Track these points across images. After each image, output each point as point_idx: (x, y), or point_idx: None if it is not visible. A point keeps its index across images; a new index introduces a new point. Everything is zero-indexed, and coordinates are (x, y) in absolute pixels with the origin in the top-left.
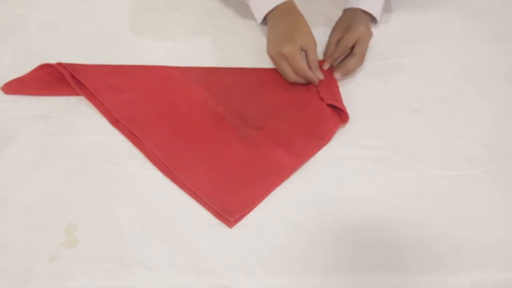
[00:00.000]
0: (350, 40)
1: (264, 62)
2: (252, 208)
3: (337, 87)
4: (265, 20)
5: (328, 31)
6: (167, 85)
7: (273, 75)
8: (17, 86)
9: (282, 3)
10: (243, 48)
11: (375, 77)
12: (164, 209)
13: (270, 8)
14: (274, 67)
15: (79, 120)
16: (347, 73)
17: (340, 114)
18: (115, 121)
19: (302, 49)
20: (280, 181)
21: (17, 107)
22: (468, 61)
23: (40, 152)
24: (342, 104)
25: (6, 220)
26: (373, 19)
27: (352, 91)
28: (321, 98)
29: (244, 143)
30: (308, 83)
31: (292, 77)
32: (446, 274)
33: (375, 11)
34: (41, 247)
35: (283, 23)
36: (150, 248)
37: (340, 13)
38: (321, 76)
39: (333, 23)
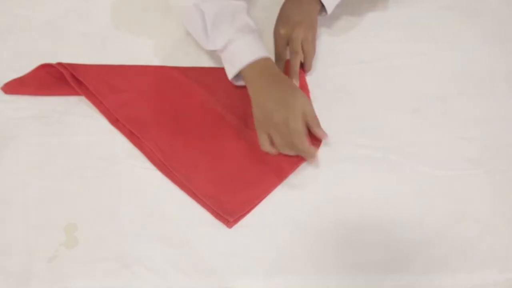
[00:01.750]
0: (292, 44)
1: None
2: (251, 209)
3: None
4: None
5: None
6: (167, 85)
7: None
8: (17, 86)
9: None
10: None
11: (375, 77)
12: (164, 209)
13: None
14: None
15: (79, 120)
16: (309, 69)
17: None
18: (115, 121)
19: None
20: (279, 182)
21: (17, 107)
22: (468, 61)
23: (40, 152)
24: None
25: (6, 220)
26: (323, 8)
27: (352, 91)
28: None
29: (244, 143)
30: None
31: (272, 150)
32: (447, 274)
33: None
34: (41, 247)
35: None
36: (150, 248)
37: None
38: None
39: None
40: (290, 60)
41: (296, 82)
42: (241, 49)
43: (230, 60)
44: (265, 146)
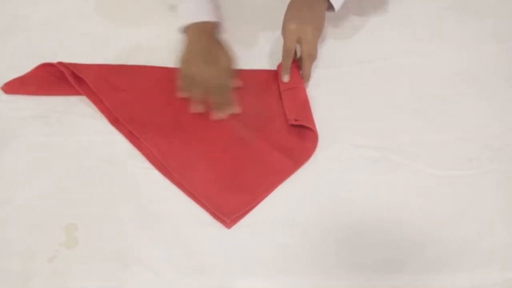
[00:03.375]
0: (302, 47)
1: (263, 63)
2: (249, 210)
3: (307, 106)
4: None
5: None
6: (167, 86)
7: (273, 76)
8: (17, 86)
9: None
10: (243, 49)
11: (375, 77)
12: (164, 209)
13: (189, 22)
14: (274, 69)
15: (79, 119)
16: (308, 78)
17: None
18: (114, 121)
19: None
20: (277, 184)
21: (17, 107)
22: (468, 61)
23: (40, 152)
24: (310, 122)
25: (6, 220)
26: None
27: (352, 91)
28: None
29: (243, 144)
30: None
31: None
32: (446, 274)
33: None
34: (41, 247)
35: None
36: (150, 248)
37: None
38: (286, 76)
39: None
40: (302, 62)
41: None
42: (186, 10)
43: (179, 18)
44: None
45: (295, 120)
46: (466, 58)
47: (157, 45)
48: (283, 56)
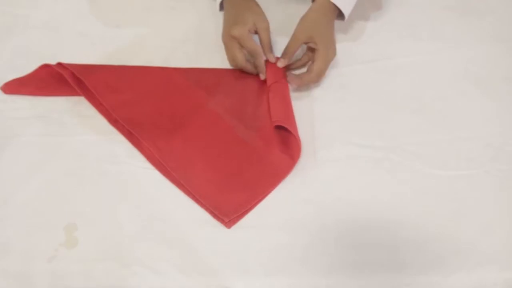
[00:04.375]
0: (319, 67)
1: None
2: (248, 210)
3: (289, 105)
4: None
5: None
6: (166, 86)
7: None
8: (17, 86)
9: None
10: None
11: (375, 77)
12: (164, 209)
13: None
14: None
15: (78, 120)
16: (301, 87)
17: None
18: (114, 121)
19: (254, 32)
20: (277, 183)
21: (17, 107)
22: (468, 61)
23: (40, 152)
24: (292, 126)
25: (6, 220)
26: (340, 14)
27: (352, 91)
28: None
29: (242, 144)
30: (257, 74)
31: (242, 62)
32: (446, 274)
33: (343, 5)
34: (41, 247)
35: (234, 8)
36: (150, 248)
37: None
38: (273, 59)
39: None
40: (305, 75)
41: (263, 76)
42: None
43: None
44: (239, 59)
45: (281, 122)
46: (466, 58)
47: (157, 45)
48: (283, 53)
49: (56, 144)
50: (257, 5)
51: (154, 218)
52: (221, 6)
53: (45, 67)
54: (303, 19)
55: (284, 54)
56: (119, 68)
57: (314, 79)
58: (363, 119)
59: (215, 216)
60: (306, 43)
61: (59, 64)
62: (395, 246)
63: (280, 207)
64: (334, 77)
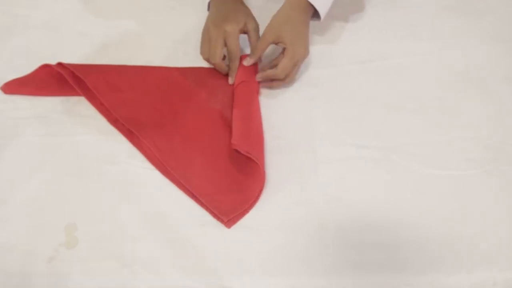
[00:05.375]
0: (284, 63)
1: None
2: (247, 209)
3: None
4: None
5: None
6: (167, 85)
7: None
8: (17, 86)
9: None
10: (243, 48)
11: (375, 77)
12: (164, 209)
13: None
14: None
15: (79, 120)
16: (269, 85)
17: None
18: (114, 121)
19: (244, 32)
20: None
21: (17, 107)
22: (468, 61)
23: (40, 152)
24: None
25: (6, 220)
26: (315, 13)
27: (352, 91)
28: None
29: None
30: (225, 75)
31: (219, 59)
32: (446, 274)
33: (319, 4)
34: (41, 247)
35: (224, 5)
36: (150, 248)
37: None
38: (249, 58)
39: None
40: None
41: (231, 80)
42: None
43: None
44: (216, 55)
45: (247, 152)
46: (466, 58)
47: (157, 45)
48: (251, 53)
49: (56, 144)
50: (246, 7)
51: (154, 218)
52: (209, 6)
53: (45, 67)
54: (273, 18)
55: (252, 53)
56: (119, 67)
57: (279, 76)
58: (363, 120)
59: (215, 215)
60: (275, 43)
61: (59, 64)
62: (395, 246)
63: (280, 208)
64: (333, 77)
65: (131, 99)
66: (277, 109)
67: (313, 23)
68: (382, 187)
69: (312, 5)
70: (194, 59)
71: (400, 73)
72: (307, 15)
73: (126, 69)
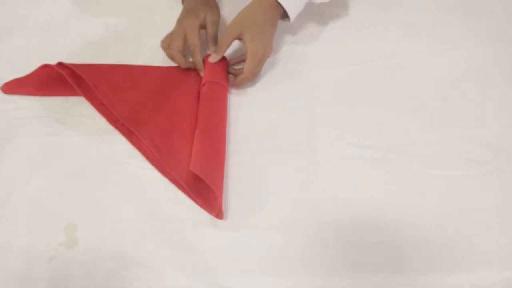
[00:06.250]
0: (248, 65)
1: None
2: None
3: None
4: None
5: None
6: (167, 85)
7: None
8: (17, 86)
9: None
10: (243, 48)
11: (374, 77)
12: (164, 209)
13: None
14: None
15: (78, 120)
16: (236, 87)
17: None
18: (114, 121)
19: (203, 27)
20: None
21: (17, 107)
22: (468, 61)
23: (40, 152)
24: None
25: (6, 220)
26: (285, 14)
27: (352, 91)
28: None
29: None
30: (193, 70)
31: (175, 51)
32: (446, 274)
33: (287, 4)
34: (41, 247)
35: (193, 0)
36: (150, 248)
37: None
38: (214, 54)
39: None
40: (238, 77)
41: (201, 72)
42: None
43: None
44: (178, 53)
45: (204, 177)
46: (466, 58)
47: (157, 45)
48: (217, 48)
49: (56, 144)
50: (214, 1)
51: (154, 218)
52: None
53: (45, 67)
54: (239, 13)
55: (216, 49)
56: (119, 67)
57: (248, 78)
58: (363, 120)
59: (212, 213)
60: (238, 39)
61: (59, 64)
62: (394, 246)
63: (279, 207)
64: (333, 77)
65: (131, 98)
66: (277, 109)
67: (313, 23)
68: (381, 187)
69: (280, 5)
70: None
71: (400, 73)
72: (275, 14)
73: (126, 69)
